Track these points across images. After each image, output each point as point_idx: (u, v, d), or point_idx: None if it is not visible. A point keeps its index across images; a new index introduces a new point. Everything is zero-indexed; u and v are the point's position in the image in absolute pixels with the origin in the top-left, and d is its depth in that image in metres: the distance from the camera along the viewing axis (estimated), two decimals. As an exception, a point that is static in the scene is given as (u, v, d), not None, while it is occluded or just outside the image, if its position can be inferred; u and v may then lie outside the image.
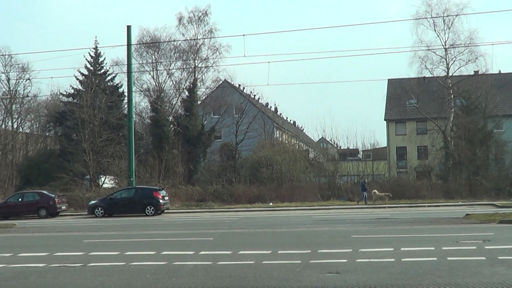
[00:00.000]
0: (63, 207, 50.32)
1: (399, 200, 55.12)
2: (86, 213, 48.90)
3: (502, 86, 75.91)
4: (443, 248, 20.24)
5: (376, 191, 54.36)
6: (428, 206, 49.20)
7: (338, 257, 18.68)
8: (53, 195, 50.11)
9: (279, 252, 20.43)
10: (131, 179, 52.21)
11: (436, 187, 60.03)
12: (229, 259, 19.03)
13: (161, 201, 47.72)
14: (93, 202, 49.27)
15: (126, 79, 56.32)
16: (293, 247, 21.73)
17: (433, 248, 20.17)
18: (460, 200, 53.61)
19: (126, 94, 56.78)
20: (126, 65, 55.58)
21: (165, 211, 49.22)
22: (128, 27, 52.05)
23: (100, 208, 47.61)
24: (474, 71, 69.68)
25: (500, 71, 76.80)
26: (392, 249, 20.28)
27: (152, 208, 46.85)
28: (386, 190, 58.89)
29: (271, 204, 56.07)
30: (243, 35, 44.42)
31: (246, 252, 20.75)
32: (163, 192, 49.13)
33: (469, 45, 66.28)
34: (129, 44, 52.27)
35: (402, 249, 20.22)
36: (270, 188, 60.78)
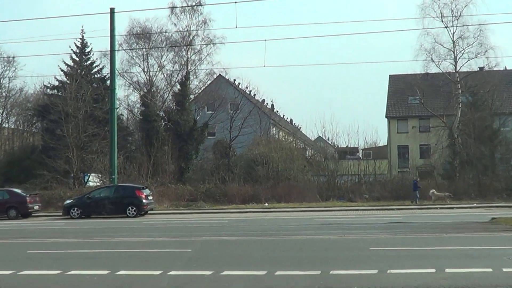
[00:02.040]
0: (36, 207, 43.61)
1: (404, 202, 49.10)
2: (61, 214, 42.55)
3: (508, 83, 69.80)
4: (504, 269, 14.07)
5: (434, 190, 49.06)
6: (440, 208, 43.05)
7: (362, 283, 12.56)
8: (25, 194, 43.45)
9: (277, 273, 14.27)
10: (113, 176, 45.83)
11: (443, 188, 54.22)
12: (205, 285, 12.85)
13: (144, 201, 41.23)
14: (68, 201, 42.73)
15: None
16: (296, 264, 15.60)
17: (490, 270, 14.03)
18: (468, 201, 47.86)
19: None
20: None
21: (150, 211, 42.80)
22: (112, 10, 45.78)
23: (76, 209, 41.08)
24: (479, 67, 63.60)
25: (505, 67, 70.61)
26: (433, 270, 14.13)
27: (134, 208, 40.41)
28: (389, 190, 54.18)
29: (266, 204, 50.33)
30: (235, 2, 36.11)
31: (231, 273, 14.56)
32: (146, 191, 42.66)
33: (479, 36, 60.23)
34: (112, 29, 46.00)
35: (448, 270, 14.08)
36: (265, 187, 54.94)
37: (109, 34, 46.56)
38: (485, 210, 40.00)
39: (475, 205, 44.94)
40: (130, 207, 40.35)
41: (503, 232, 22.99)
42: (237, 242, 22.17)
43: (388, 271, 14.10)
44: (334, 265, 15.17)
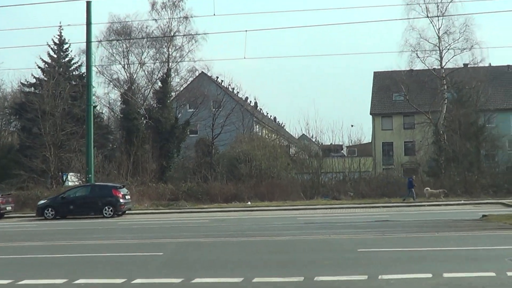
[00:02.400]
0: (8, 208, 41.49)
1: (390, 199, 47.48)
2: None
3: (493, 79, 68.30)
4: (509, 273, 12.40)
5: (428, 188, 47.52)
6: (428, 205, 41.42)
7: (351, 291, 10.89)
8: (-4, 194, 41.36)
9: (255, 280, 12.52)
10: (89, 175, 43.90)
11: (428, 185, 52.74)
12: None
13: (121, 200, 39.22)
14: (42, 201, 40.61)
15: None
16: (277, 269, 13.90)
17: (493, 274, 12.37)
18: (454, 198, 46.16)
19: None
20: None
21: (128, 211, 40.84)
22: (88, 3, 43.84)
23: (50, 209, 39.00)
24: (464, 64, 62.11)
25: (490, 64, 69.09)
26: (430, 275, 12.43)
27: (111, 208, 38.40)
28: (374, 187, 52.50)
29: (249, 203, 48.58)
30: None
31: (203, 280, 12.79)
32: (124, 190, 40.65)
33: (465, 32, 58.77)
34: (88, 23, 44.05)
35: (446, 275, 12.39)
36: (248, 185, 53.11)
37: (85, 28, 44.67)
38: (473, 207, 38.42)
39: (462, 202, 43.39)
40: (106, 207, 38.37)
41: (498, 230, 21.37)
42: (215, 244, 20.37)
43: (380, 277, 12.39)
44: (319, 270, 13.46)
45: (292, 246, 18.78)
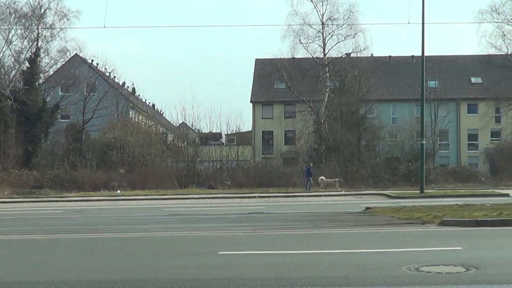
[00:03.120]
0: None
1: (268, 189, 44.38)
2: None
3: (374, 70, 66.16)
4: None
5: (323, 177, 44.99)
6: (307, 196, 38.25)
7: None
8: None
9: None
10: None
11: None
12: None
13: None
14: None
15: None
16: (103, 285, 9.77)
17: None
18: (335, 189, 43.43)
19: None
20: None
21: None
22: None
23: None
24: (347, 53, 59.68)
25: (372, 54, 66.97)
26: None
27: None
28: (252, 176, 49.95)
29: (118, 191, 44.49)
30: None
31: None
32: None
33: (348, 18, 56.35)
34: None
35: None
36: (120, 173, 49.17)
37: None
38: (355, 198, 35.71)
39: (343, 192, 40.60)
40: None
41: (386, 227, 17.99)
42: (48, 242, 16.01)
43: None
44: (161, 284, 9.51)
45: (139, 245, 14.71)
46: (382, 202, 30.44)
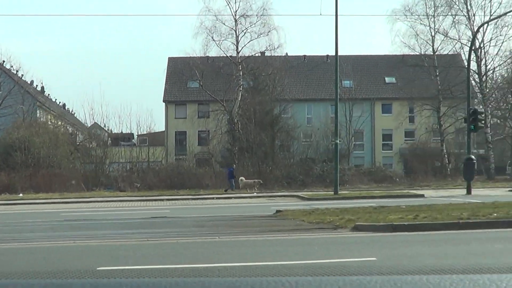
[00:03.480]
0: None
1: (178, 191, 42.61)
2: None
3: (289, 69, 64.99)
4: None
5: (243, 178, 43.46)
6: (217, 198, 36.44)
7: None
8: None
9: None
10: None
11: (221, 176, 48.57)
12: None
13: None
14: None
15: None
16: None
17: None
18: (253, 190, 41.98)
19: None
20: None
21: None
22: None
23: None
24: (261, 52, 58.26)
25: (287, 53, 65.80)
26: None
27: None
28: (163, 178, 48.19)
29: (21, 195, 41.88)
30: None
31: None
32: None
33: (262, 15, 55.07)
34: None
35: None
36: (23, 176, 46.57)
37: None
38: (267, 200, 34.05)
39: (255, 194, 38.98)
40: None
41: (294, 233, 16.30)
42: None
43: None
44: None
45: (4, 261, 12.61)
46: (294, 204, 28.96)
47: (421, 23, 57.85)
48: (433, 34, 58.03)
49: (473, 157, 35.24)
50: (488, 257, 10.96)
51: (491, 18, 51.70)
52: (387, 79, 69.14)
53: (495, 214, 17.66)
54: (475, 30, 46.91)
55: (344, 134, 59.27)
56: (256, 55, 57.74)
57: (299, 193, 37.25)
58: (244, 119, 54.24)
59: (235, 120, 54.47)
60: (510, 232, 15.26)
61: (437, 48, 58.41)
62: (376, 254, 11.63)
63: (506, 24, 55.57)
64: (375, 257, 11.32)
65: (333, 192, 35.42)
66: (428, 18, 57.86)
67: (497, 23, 55.74)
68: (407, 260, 11.00)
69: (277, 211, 22.79)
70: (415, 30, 58.02)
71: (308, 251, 12.72)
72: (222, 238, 15.43)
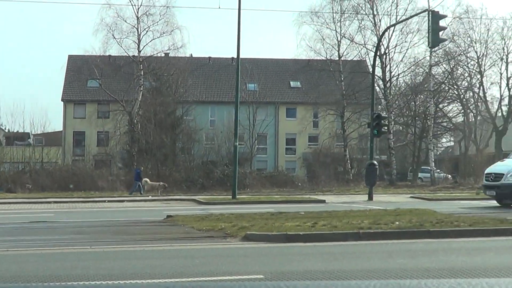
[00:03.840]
0: None
1: (72, 193, 40.18)
2: None
3: (193, 71, 63.18)
4: None
5: (147, 180, 41.86)
6: (109, 201, 34.23)
7: None
8: None
9: None
10: None
11: (119, 178, 46.49)
12: None
13: None
14: None
15: None
16: None
17: None
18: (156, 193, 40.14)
19: None
20: None
21: None
22: None
23: None
24: (165, 53, 56.20)
25: (191, 54, 63.92)
26: None
27: None
28: (57, 179, 45.72)
29: None
30: None
31: None
32: None
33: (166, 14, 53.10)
34: None
35: None
36: None
37: None
38: (162, 204, 32.22)
39: (150, 197, 36.97)
40: None
41: (179, 242, 14.54)
42: None
43: None
44: None
45: None
46: (189, 209, 27.17)
47: (327, 27, 56.86)
48: (339, 39, 57.07)
49: (375, 162, 34.30)
50: (391, 274, 9.42)
51: (397, 22, 51.21)
52: (292, 83, 68.19)
53: (397, 223, 16.34)
54: (381, 35, 46.13)
55: (247, 138, 57.86)
56: (160, 55, 55.67)
57: (197, 197, 35.42)
58: (144, 120, 52.07)
59: (135, 120, 52.23)
60: (413, 244, 13.89)
61: (343, 53, 57.48)
62: (263, 271, 9.92)
63: (411, 31, 55.01)
64: (262, 274, 9.62)
65: (231, 196, 33.80)
66: (334, 23, 56.85)
67: (402, 30, 55.24)
68: (298, 279, 9.33)
69: (168, 216, 21.04)
70: (321, 35, 56.95)
71: (187, 265, 10.95)
72: (94, 248, 13.48)
